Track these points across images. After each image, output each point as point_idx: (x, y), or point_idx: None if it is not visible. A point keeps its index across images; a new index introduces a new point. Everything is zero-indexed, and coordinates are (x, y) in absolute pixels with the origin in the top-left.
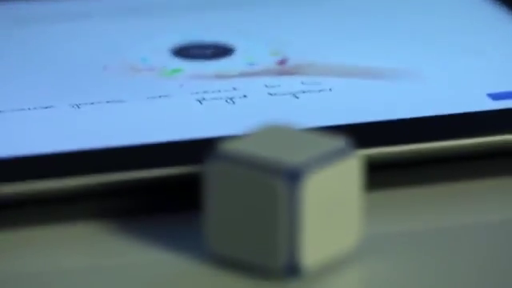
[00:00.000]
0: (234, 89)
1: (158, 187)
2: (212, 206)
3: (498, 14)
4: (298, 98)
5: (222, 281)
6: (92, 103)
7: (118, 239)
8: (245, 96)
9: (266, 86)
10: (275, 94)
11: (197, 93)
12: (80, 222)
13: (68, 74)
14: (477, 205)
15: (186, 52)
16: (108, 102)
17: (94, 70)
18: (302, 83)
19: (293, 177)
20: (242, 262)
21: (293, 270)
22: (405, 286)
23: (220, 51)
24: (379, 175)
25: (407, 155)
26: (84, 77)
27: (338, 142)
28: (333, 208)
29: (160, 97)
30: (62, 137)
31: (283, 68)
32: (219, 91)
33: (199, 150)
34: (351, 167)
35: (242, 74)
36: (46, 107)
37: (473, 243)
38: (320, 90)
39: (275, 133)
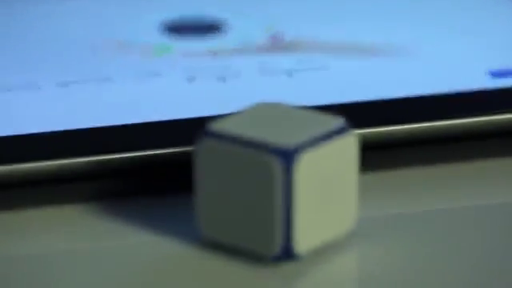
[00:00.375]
0: (226, 67)
1: (150, 168)
2: (203, 188)
3: None
4: (291, 75)
5: (214, 264)
6: (80, 82)
7: (109, 221)
8: (237, 74)
9: (259, 63)
10: (268, 72)
11: (187, 71)
12: (69, 205)
13: (55, 52)
14: (475, 186)
15: (176, 29)
16: (96, 81)
17: (82, 48)
18: (297, 61)
19: (288, 155)
20: (234, 244)
21: (287, 253)
22: (400, 269)
23: (212, 28)
24: (374, 156)
25: (404, 135)
26: (72, 56)
27: (335, 120)
28: (329, 189)
29: (150, 75)
30: (48, 117)
31: (277, 45)
32: (210, 69)
33: (190, 129)
34: (348, 147)
35: (235, 52)
36: (33, 86)
37: (470, 225)
38: (315, 68)
39: (268, 111)
